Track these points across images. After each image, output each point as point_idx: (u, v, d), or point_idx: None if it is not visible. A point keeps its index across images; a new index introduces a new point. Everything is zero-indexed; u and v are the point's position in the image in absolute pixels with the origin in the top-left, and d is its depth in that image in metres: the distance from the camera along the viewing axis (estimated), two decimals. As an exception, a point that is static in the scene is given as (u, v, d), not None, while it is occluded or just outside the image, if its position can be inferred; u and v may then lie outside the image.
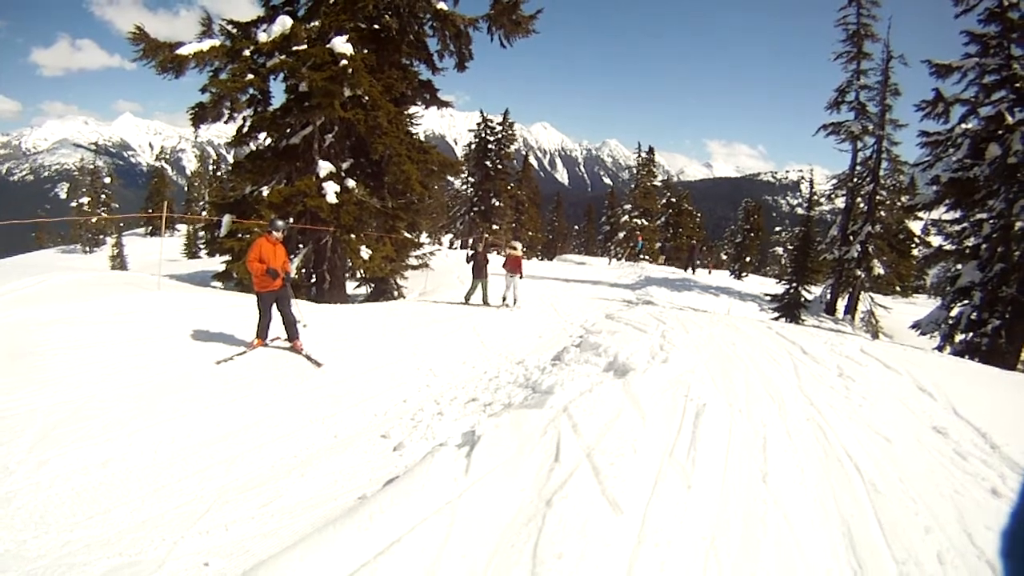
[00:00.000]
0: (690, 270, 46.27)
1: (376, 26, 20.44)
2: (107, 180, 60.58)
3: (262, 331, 10.82)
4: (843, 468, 5.71)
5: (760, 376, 8.64)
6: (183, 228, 58.99)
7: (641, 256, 54.96)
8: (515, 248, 19.69)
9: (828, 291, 30.94)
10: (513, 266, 18.65)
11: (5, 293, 11.66)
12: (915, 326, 22.77)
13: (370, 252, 20.15)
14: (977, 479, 5.61)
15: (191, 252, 52.72)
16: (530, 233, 70.65)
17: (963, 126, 21.86)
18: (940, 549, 4.49)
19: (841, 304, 30.38)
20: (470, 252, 18.81)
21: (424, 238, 31.10)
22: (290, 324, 10.96)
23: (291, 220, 12.42)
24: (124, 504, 5.41)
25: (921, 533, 4.68)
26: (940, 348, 20.80)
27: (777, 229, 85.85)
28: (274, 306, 10.82)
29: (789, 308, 27.65)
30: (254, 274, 10.61)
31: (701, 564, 4.16)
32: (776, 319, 25.39)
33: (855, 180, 29.70)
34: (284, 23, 18.36)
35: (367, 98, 19.00)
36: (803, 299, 28.14)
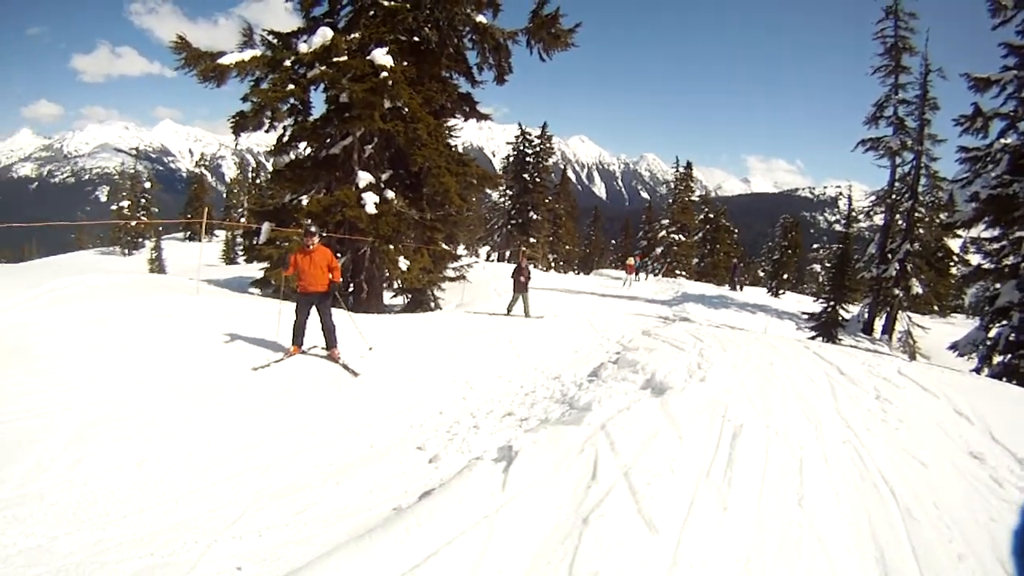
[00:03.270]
0: (737, 287, 46.35)
1: (416, 39, 20.56)
2: (147, 185, 61.24)
3: (297, 336, 10.83)
4: (879, 493, 5.66)
5: (797, 397, 8.57)
6: (221, 234, 59.48)
7: (659, 275, 54.98)
8: (632, 260, 44.17)
9: (866, 310, 30.64)
10: (630, 270, 42.82)
11: (44, 292, 11.78)
12: (953, 347, 22.50)
13: (408, 263, 20.21)
14: (1013, 506, 5.55)
15: (229, 258, 53.20)
16: (567, 247, 70.65)
17: (1002, 141, 21.65)
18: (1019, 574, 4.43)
19: (878, 323, 30.03)
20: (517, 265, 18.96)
21: (461, 250, 31.13)
22: (329, 331, 10.95)
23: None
24: (158, 505, 5.43)
25: (955, 561, 4.63)
26: (978, 370, 20.54)
27: (815, 246, 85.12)
28: (314, 312, 10.86)
29: (826, 327, 27.40)
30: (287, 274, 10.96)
31: (736, 587, 4.13)
32: (813, 338, 25.19)
33: (893, 197, 29.43)
34: (324, 34, 18.51)
35: (407, 110, 19.09)
36: (840, 318, 27.89)
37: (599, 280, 46.75)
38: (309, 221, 11.26)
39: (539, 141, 59.03)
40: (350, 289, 12.11)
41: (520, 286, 18.47)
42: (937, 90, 28.19)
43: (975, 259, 25.38)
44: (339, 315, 11.70)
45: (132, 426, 6.95)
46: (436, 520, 4.58)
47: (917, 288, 28.24)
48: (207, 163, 78.83)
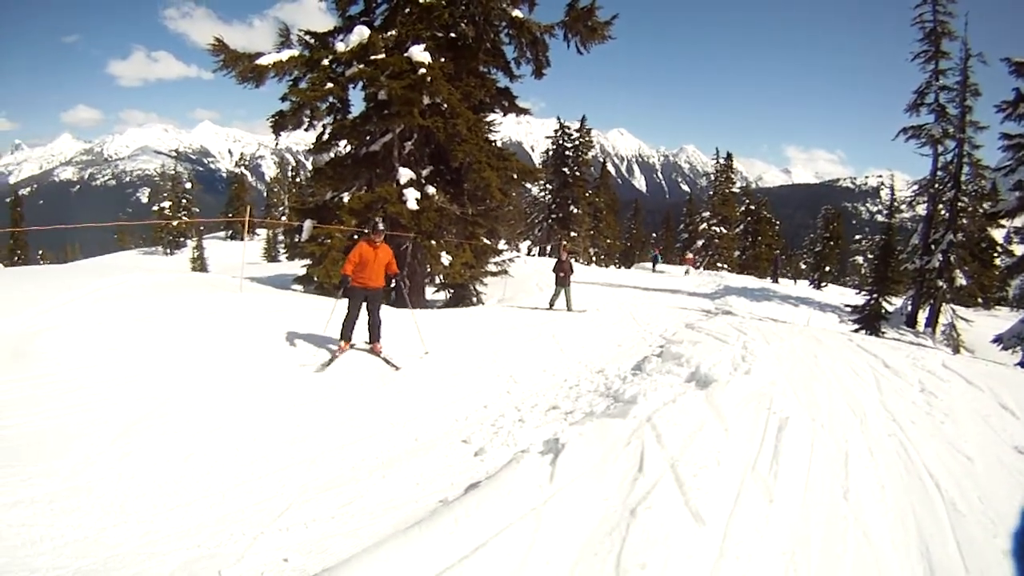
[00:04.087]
0: (777, 279, 46.40)
1: (453, 34, 20.59)
2: (188, 185, 61.82)
3: (347, 332, 10.86)
4: (924, 486, 5.63)
5: (842, 390, 8.54)
6: (263, 233, 60.01)
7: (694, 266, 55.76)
8: (690, 256, 56.43)
9: (909, 303, 30.14)
10: (690, 263, 53.44)
11: (90, 292, 11.89)
12: (997, 340, 22.16)
13: (450, 258, 20.27)
14: (1057, 502, 5.46)
15: (270, 256, 53.69)
16: (608, 241, 70.50)
17: (1045, 127, 21.30)
18: (1017, 574, 4.39)
19: (922, 316, 29.57)
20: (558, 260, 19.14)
21: (503, 245, 31.16)
22: (376, 327, 11.09)
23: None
24: (205, 498, 5.53)
25: (999, 556, 4.60)
26: (1023, 364, 20.23)
27: (857, 237, 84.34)
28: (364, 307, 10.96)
29: (869, 320, 27.18)
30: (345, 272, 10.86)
31: (782, 579, 4.13)
32: (856, 331, 24.99)
33: (936, 186, 28.88)
34: (361, 33, 18.59)
35: (446, 106, 19.15)
36: (884, 311, 27.63)
37: (641, 274, 46.75)
38: (379, 220, 11.38)
39: (578, 135, 58.75)
40: (392, 285, 12.18)
41: (562, 280, 18.57)
42: (978, 75, 27.72)
43: (1019, 249, 25.06)
44: (401, 313, 11.83)
45: (178, 421, 7.08)
46: (484, 512, 4.62)
47: (961, 280, 27.80)
48: (247, 163, 79.58)
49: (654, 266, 53.43)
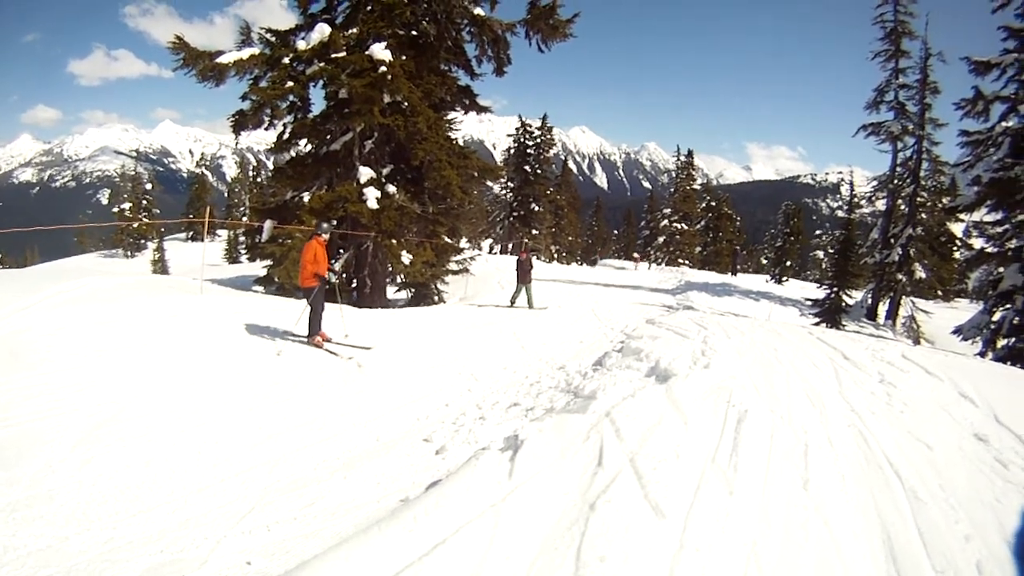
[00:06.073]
0: (734, 273, 47.14)
1: (414, 32, 20.52)
2: (148, 186, 61.11)
3: (320, 323, 11.26)
4: (884, 475, 5.68)
5: (802, 382, 8.58)
6: (224, 233, 59.47)
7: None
8: (636, 256, 53.27)
9: (869, 296, 30.54)
10: (637, 261, 56.36)
11: (48, 296, 11.73)
12: (957, 331, 22.43)
13: (411, 257, 20.22)
14: (1018, 488, 5.54)
15: (232, 257, 53.17)
16: (570, 238, 70.66)
17: (1004, 124, 21.54)
18: (980, 558, 4.45)
19: (882, 309, 29.95)
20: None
21: (464, 243, 31.19)
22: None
23: (335, 223, 12.84)
24: (167, 503, 5.49)
25: (961, 542, 4.64)
26: (982, 354, 20.46)
27: (817, 232, 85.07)
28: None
29: (830, 313, 27.43)
30: (307, 274, 11.08)
31: (742, 570, 4.16)
32: (817, 324, 25.20)
33: (896, 182, 29.36)
34: (323, 31, 18.53)
35: (406, 104, 19.08)
36: (844, 304, 27.89)
37: (602, 271, 47.07)
38: (326, 224, 11.60)
39: (539, 133, 58.89)
40: (353, 285, 12.08)
41: (523, 278, 18.61)
42: (937, 74, 28.19)
43: (978, 243, 25.29)
44: (361, 312, 11.90)
45: (140, 426, 7.00)
46: (443, 510, 4.60)
47: (920, 273, 28.19)
48: (208, 163, 78.87)
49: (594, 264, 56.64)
